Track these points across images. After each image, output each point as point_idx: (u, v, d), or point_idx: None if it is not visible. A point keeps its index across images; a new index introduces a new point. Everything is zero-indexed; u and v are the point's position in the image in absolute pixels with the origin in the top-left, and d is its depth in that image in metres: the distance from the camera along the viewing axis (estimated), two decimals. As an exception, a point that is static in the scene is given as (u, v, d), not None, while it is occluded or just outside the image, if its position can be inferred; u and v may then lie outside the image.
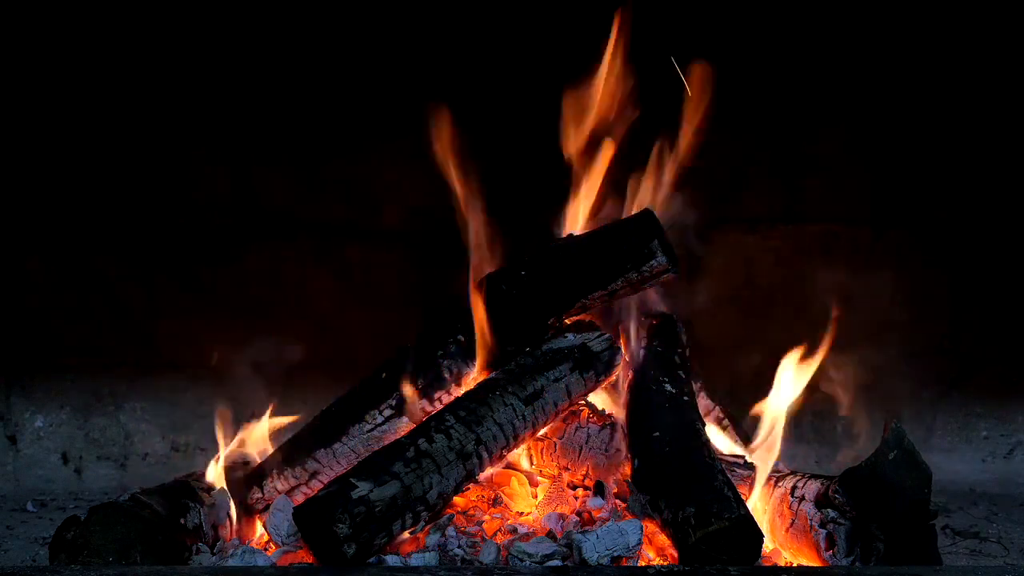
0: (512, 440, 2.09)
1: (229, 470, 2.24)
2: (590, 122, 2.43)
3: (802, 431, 3.08)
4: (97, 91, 2.96)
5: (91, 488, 3.01)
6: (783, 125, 3.05)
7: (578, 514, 2.12)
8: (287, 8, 2.94)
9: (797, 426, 2.97)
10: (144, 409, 3.10)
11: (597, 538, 1.90)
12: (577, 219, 2.45)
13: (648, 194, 2.44)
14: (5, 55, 2.93)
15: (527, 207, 2.55)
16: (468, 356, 2.24)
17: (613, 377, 2.31)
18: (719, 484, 1.92)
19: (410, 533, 1.94)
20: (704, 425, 2.20)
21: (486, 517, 2.11)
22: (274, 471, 2.20)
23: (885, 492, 1.87)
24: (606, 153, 2.42)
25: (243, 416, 3.02)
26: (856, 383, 2.79)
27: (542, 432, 2.23)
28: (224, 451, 2.28)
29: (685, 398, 2.25)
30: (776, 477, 2.13)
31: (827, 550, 1.92)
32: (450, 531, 2.00)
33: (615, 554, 1.90)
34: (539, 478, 2.29)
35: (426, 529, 1.98)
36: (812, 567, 1.95)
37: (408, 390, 2.20)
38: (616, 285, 2.23)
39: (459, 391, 2.22)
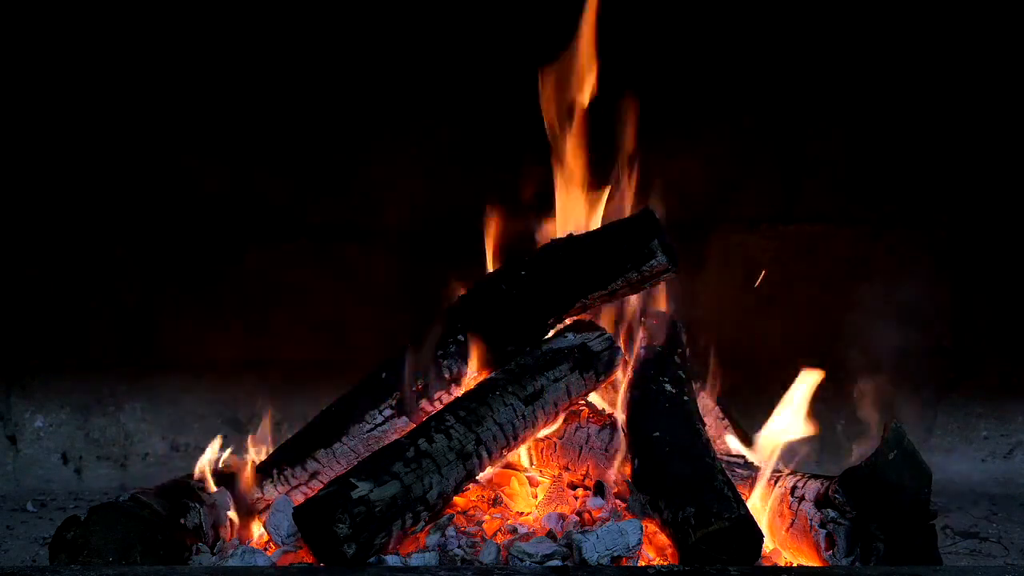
0: (512, 440, 2.09)
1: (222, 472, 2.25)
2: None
3: (802, 431, 3.08)
4: (97, 91, 2.96)
5: (91, 488, 3.00)
6: (783, 125, 3.04)
7: (578, 514, 2.11)
8: (286, 8, 2.94)
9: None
10: (144, 409, 3.10)
11: (597, 538, 1.90)
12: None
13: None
14: (10, 56, 2.93)
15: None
16: (468, 356, 2.24)
17: (613, 377, 2.31)
18: (719, 484, 1.92)
19: (410, 533, 1.94)
20: (704, 425, 2.20)
21: (486, 517, 2.11)
22: (274, 471, 2.20)
23: (885, 492, 1.87)
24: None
25: (243, 416, 3.05)
26: (856, 383, 2.79)
27: (542, 432, 2.23)
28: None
29: (685, 398, 2.25)
30: (776, 477, 2.13)
31: (827, 550, 1.92)
32: (450, 531, 2.00)
33: (615, 554, 1.90)
34: (539, 478, 2.29)
35: (426, 529, 1.98)
36: (812, 567, 1.94)
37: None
38: (616, 285, 2.22)
39: (459, 391, 2.21)
